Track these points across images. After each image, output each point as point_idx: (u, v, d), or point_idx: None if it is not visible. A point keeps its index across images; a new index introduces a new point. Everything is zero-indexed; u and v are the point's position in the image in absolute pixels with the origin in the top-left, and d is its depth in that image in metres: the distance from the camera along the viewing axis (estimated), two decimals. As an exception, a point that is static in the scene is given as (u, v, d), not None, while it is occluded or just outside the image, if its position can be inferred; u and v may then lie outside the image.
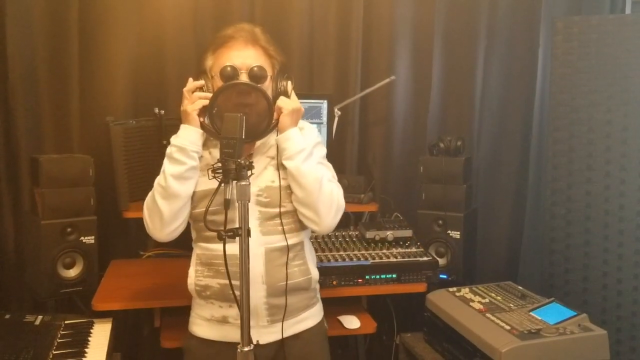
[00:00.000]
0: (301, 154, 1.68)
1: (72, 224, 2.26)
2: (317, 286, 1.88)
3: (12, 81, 2.47)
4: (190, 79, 1.70)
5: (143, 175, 2.53)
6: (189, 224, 1.78)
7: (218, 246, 1.68)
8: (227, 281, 1.66)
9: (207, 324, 1.77)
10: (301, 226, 1.76)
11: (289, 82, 1.72)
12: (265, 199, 1.70)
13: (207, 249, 1.74)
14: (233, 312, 1.72)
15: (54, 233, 2.22)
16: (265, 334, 1.72)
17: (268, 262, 1.70)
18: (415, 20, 2.95)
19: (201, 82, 1.68)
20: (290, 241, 1.73)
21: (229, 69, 1.65)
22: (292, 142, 1.68)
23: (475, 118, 3.01)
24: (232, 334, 1.72)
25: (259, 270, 1.68)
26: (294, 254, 1.75)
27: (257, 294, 1.68)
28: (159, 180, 1.69)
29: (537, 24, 2.95)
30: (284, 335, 1.73)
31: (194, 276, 1.77)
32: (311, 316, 1.84)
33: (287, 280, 1.70)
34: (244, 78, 1.66)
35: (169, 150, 1.69)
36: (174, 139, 1.69)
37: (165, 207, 1.66)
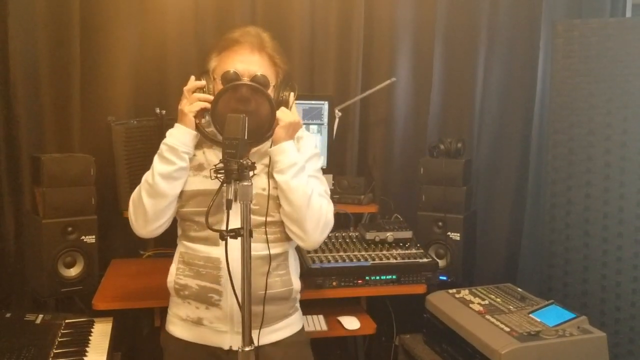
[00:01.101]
0: (292, 168, 1.65)
1: (72, 223, 2.26)
2: (298, 296, 1.84)
3: (14, 80, 2.47)
4: (192, 78, 1.68)
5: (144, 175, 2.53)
6: (174, 223, 1.76)
7: (201, 247, 1.69)
8: (206, 283, 1.67)
9: (182, 323, 1.75)
10: (287, 237, 1.74)
11: (292, 94, 1.70)
12: (254, 206, 1.65)
13: (190, 248, 1.72)
14: (209, 314, 1.70)
15: (55, 232, 2.23)
16: (239, 340, 1.67)
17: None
18: (416, 22, 2.96)
19: (202, 82, 1.66)
20: (274, 251, 1.69)
21: (231, 73, 1.64)
22: (284, 155, 1.65)
23: (475, 120, 3.02)
24: (206, 336, 1.72)
25: (239, 277, 1.65)
26: (277, 263, 1.73)
27: (235, 300, 1.60)
28: (147, 177, 1.68)
29: (538, 26, 2.96)
30: (260, 343, 1.69)
31: (175, 274, 1.75)
32: (289, 325, 1.80)
33: (266, 290, 1.66)
34: None
35: (160, 148, 1.68)
36: (166, 138, 1.67)
37: (150, 205, 1.65)
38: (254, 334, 1.65)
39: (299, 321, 1.86)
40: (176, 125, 1.68)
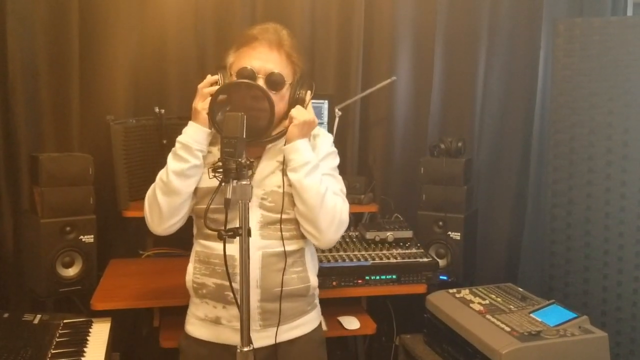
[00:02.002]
0: (305, 167, 1.64)
1: (71, 223, 2.26)
2: (316, 292, 1.84)
3: (13, 79, 2.46)
4: (209, 76, 1.65)
5: (143, 175, 2.52)
6: (190, 220, 1.76)
7: (216, 245, 1.68)
8: (222, 281, 1.66)
9: (200, 323, 1.75)
10: (303, 234, 1.73)
11: (309, 92, 1.69)
12: (269, 203, 1.67)
13: (205, 246, 1.72)
14: (226, 313, 1.70)
15: (53, 232, 2.22)
16: (257, 338, 1.65)
17: (264, 266, 1.66)
18: (417, 21, 2.95)
19: (216, 77, 1.64)
20: (290, 247, 1.69)
21: (247, 70, 1.62)
22: (298, 154, 1.65)
23: (476, 119, 3.01)
24: (224, 335, 1.71)
25: (254, 274, 1.64)
26: (293, 260, 1.72)
27: (251, 298, 1.62)
28: (161, 174, 1.67)
29: (539, 25, 2.95)
30: (277, 341, 1.70)
31: (192, 273, 1.75)
32: (307, 322, 1.80)
33: (282, 287, 1.66)
34: (260, 82, 1.62)
35: (175, 146, 1.67)
36: (180, 136, 1.66)
37: (165, 202, 1.65)
38: (272, 331, 1.68)
39: (316, 319, 1.85)
40: (190, 123, 1.66)
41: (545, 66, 2.95)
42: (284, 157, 1.68)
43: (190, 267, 1.77)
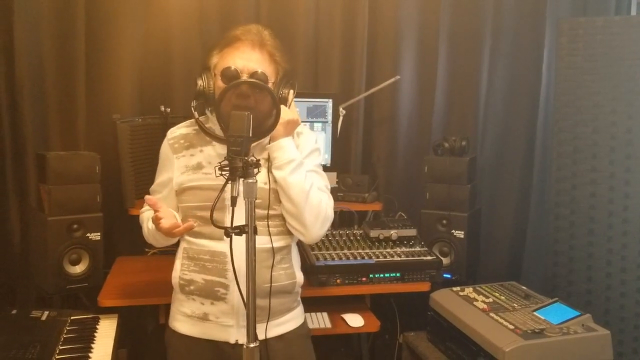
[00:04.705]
0: (290, 164, 1.67)
1: (78, 221, 2.27)
2: (300, 290, 1.86)
3: (19, 78, 2.48)
4: (147, 197, 1.67)
5: (149, 173, 2.53)
6: None
7: (205, 242, 1.70)
8: (213, 277, 1.69)
9: (187, 320, 1.76)
10: (290, 230, 1.76)
11: (291, 91, 1.72)
12: (256, 199, 1.68)
13: (194, 243, 1.73)
14: (214, 309, 1.71)
15: (60, 229, 2.23)
16: (245, 334, 1.69)
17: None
18: (421, 20, 2.96)
19: (152, 198, 1.66)
20: (278, 244, 1.71)
21: (231, 70, 1.65)
22: (282, 152, 1.68)
23: (479, 118, 3.02)
24: (212, 331, 1.72)
25: (244, 271, 1.62)
26: (281, 256, 1.74)
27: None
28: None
29: (542, 25, 2.95)
30: (266, 337, 1.71)
31: (179, 269, 1.76)
32: (293, 318, 1.82)
33: (271, 283, 1.68)
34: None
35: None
36: (150, 230, 1.75)
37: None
38: (261, 327, 1.66)
39: (302, 315, 1.88)
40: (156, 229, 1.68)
41: (548, 65, 2.96)
42: (269, 154, 1.70)
43: (177, 264, 1.78)
